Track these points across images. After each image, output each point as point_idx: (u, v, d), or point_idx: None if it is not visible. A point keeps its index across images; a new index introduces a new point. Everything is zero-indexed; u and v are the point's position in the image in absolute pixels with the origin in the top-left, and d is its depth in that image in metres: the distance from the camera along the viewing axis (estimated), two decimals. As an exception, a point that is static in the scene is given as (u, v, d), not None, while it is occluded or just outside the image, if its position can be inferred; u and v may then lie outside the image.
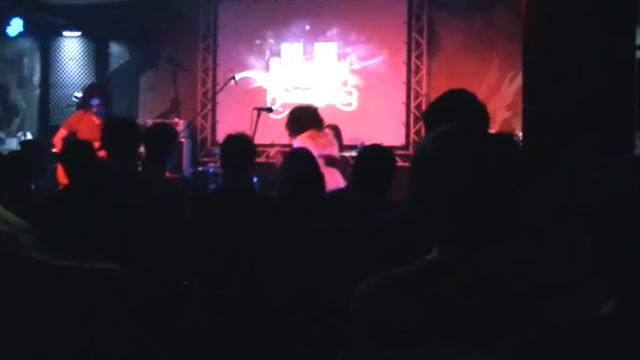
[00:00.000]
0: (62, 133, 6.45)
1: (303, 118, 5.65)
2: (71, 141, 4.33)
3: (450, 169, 1.34)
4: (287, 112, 5.96)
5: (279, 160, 5.57)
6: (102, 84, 7.12)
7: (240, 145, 3.83)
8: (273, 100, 8.13)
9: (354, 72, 8.06)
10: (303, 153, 3.70)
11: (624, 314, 1.15)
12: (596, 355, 1.14)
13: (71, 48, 8.42)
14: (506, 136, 3.05)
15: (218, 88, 7.98)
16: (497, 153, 1.36)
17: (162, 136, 3.96)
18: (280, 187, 3.52)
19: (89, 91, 6.56)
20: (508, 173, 1.35)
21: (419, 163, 1.40)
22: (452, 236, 1.36)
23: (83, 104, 6.49)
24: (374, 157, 3.45)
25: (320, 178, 3.55)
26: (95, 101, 6.35)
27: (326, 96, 8.08)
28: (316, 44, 8.18)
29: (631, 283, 1.16)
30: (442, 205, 1.35)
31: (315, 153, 5.29)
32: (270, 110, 6.72)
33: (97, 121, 6.28)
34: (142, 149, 3.94)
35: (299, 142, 5.49)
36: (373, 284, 1.41)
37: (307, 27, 8.17)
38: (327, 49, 8.15)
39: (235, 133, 3.97)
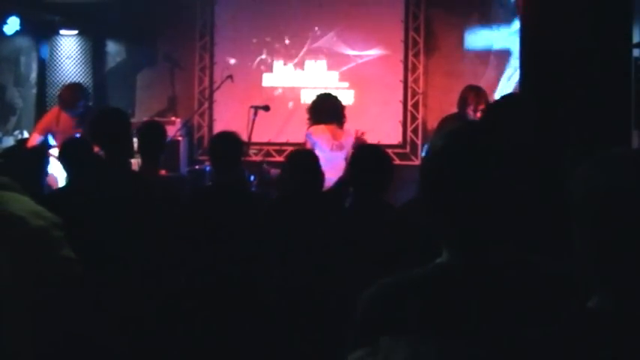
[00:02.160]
0: (36, 137, 6.29)
1: (327, 107, 5.57)
2: (70, 140, 4.32)
3: (451, 169, 1.34)
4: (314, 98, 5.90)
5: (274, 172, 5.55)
6: (82, 84, 7.00)
7: (227, 143, 3.84)
8: (270, 99, 8.11)
9: (350, 70, 8.05)
10: (306, 154, 3.75)
11: (611, 308, 1.15)
12: (583, 349, 1.14)
13: (68, 46, 8.41)
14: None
15: (215, 86, 7.98)
16: (498, 152, 1.36)
17: (153, 133, 3.97)
18: (282, 185, 3.54)
19: (76, 93, 6.38)
20: (509, 172, 1.35)
21: (425, 162, 1.41)
22: (457, 237, 1.36)
23: (69, 106, 6.28)
24: (369, 157, 3.44)
25: (319, 177, 3.57)
26: (82, 103, 6.27)
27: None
28: (313, 42, 8.18)
29: (623, 277, 1.16)
30: (446, 205, 1.35)
31: (326, 148, 5.29)
32: (267, 109, 6.72)
33: (73, 119, 6.20)
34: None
35: (313, 133, 5.45)
36: (381, 289, 1.41)
37: (304, 25, 8.16)
38: (324, 47, 8.14)
39: (223, 131, 3.99)
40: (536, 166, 2.83)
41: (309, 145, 5.40)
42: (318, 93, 5.98)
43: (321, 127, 5.49)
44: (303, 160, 3.70)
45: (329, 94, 5.83)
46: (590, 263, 1.18)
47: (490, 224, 1.35)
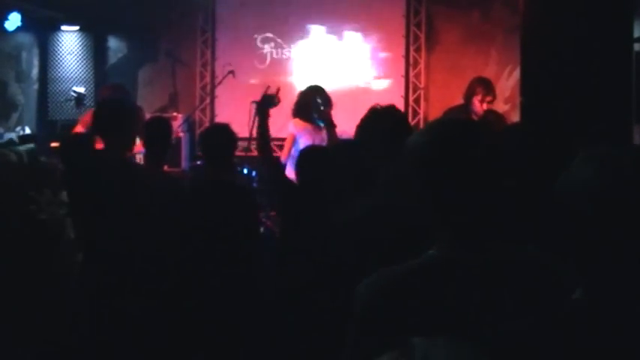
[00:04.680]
0: (77, 129, 6.35)
1: (309, 109, 5.41)
2: (70, 135, 4.33)
3: (440, 163, 1.34)
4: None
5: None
6: (123, 85, 6.99)
7: (219, 136, 3.82)
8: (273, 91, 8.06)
9: (351, 65, 8.04)
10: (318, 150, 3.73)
11: (596, 300, 1.16)
12: (567, 340, 1.14)
13: (70, 42, 8.41)
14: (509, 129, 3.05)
15: (216, 82, 7.97)
16: (486, 147, 1.36)
17: (159, 128, 3.97)
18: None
19: (116, 93, 6.38)
20: (499, 167, 1.36)
21: (411, 158, 1.41)
22: (450, 231, 1.37)
23: None
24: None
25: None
26: None
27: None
28: (314, 37, 8.17)
29: (606, 270, 1.16)
30: (436, 200, 1.35)
31: (309, 142, 5.27)
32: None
33: None
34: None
35: (294, 126, 5.42)
36: (377, 281, 1.41)
37: (305, 20, 8.16)
38: (325, 42, 8.14)
39: (216, 123, 3.97)
40: (534, 163, 2.83)
41: (291, 139, 5.39)
42: (309, 85, 5.81)
43: (302, 125, 5.44)
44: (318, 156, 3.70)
45: (317, 90, 5.64)
46: (577, 256, 1.19)
47: (482, 218, 1.35)
